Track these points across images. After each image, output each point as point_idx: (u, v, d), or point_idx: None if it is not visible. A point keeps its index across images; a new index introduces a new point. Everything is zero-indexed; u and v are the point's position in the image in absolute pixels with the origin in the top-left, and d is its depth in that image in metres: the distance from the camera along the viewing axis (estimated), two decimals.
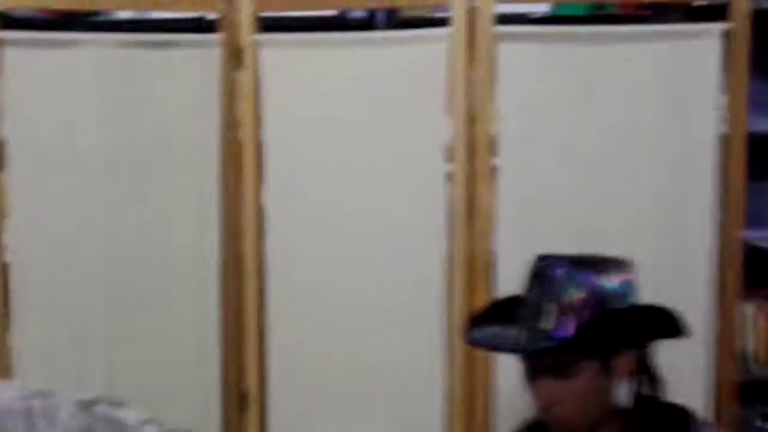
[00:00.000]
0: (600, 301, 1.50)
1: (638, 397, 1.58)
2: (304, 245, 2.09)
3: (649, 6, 2.46)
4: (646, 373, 1.57)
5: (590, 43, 2.03)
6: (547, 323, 1.51)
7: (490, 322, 1.62)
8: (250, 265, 2.08)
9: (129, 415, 1.43)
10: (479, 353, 1.97)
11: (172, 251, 2.11)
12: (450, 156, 1.99)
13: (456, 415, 2.02)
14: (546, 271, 1.54)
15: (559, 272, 1.52)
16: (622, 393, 1.57)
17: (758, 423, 2.51)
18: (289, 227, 2.09)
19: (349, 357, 2.08)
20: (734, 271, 2.01)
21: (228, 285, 2.12)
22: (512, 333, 1.57)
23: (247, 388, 2.10)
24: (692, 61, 2.00)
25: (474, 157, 1.98)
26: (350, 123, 2.06)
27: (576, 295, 1.50)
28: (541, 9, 2.42)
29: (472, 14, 1.96)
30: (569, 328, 1.49)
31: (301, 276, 2.09)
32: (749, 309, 2.46)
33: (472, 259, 2.00)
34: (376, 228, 2.06)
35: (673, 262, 2.00)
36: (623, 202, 2.02)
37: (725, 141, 1.99)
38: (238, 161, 2.08)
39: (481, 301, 1.95)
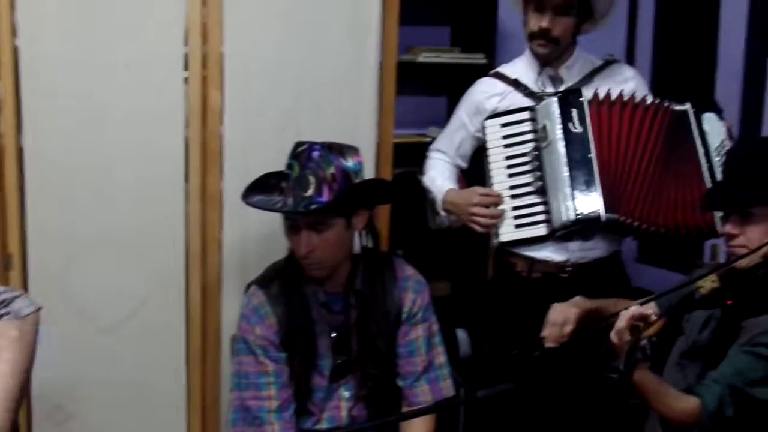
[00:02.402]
0: (346, 175, 2.05)
1: (363, 246, 2.17)
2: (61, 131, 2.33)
3: None
4: (370, 227, 2.16)
5: None
6: (310, 191, 2.00)
7: (261, 191, 2.07)
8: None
9: None
10: (211, 216, 2.44)
11: None
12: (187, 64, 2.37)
13: (193, 265, 2.46)
14: (306, 153, 2.03)
15: (316, 154, 2.03)
16: (355, 243, 2.15)
17: None
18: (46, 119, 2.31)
19: (102, 225, 2.38)
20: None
21: None
22: (281, 198, 2.04)
23: (10, 251, 2.31)
24: (361, 5, 2.55)
25: (206, 66, 2.38)
26: (101, 34, 2.31)
27: (329, 171, 2.02)
28: None
29: None
30: (326, 195, 2.00)
31: (58, 157, 2.32)
32: None
33: (205, 145, 2.41)
34: (125, 120, 2.35)
35: None
36: (313, 107, 2.54)
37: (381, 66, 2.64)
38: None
39: (213, 178, 2.42)
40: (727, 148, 2.32)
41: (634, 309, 1.87)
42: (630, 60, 3.75)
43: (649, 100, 2.44)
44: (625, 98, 2.41)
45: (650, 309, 1.95)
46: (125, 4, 2.30)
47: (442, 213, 2.65)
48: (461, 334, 3.52)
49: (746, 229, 1.89)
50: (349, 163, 2.07)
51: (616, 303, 2.10)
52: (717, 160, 2.31)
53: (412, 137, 3.40)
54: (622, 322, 1.86)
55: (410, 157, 2.81)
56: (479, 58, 3.41)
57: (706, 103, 2.50)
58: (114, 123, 2.33)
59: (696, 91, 3.41)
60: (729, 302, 1.82)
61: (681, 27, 3.60)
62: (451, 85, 3.56)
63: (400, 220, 3.38)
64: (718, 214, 2.29)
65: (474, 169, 2.80)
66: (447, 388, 2.28)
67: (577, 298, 2.21)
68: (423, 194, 2.74)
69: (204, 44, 2.36)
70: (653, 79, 3.69)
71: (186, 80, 2.35)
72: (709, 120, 2.40)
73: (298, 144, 2.08)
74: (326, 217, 2.03)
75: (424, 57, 3.42)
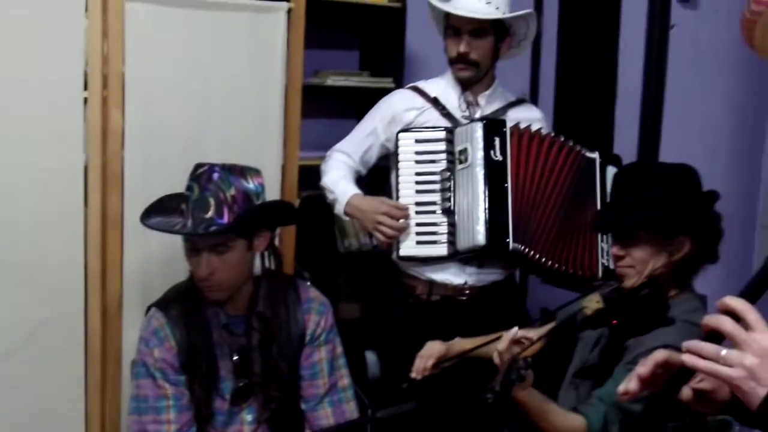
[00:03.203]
0: (246, 197, 2.04)
1: (266, 268, 2.17)
2: None
3: None
4: (272, 249, 2.16)
5: (193, 7, 2.49)
6: (210, 213, 1.99)
7: (162, 213, 2.05)
8: None
9: None
10: (111, 238, 2.41)
11: None
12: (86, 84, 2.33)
13: (93, 288, 2.41)
14: (206, 174, 2.03)
15: (216, 175, 2.02)
16: (256, 264, 2.14)
17: None
18: None
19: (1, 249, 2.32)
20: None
21: None
22: (180, 220, 2.02)
23: None
24: (266, 28, 2.59)
25: (106, 87, 2.35)
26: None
27: (229, 192, 2.02)
28: None
29: None
30: (226, 217, 2.00)
31: None
32: None
33: (105, 167, 2.38)
34: (23, 140, 2.29)
35: None
36: (217, 129, 2.55)
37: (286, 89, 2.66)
38: None
39: (113, 200, 2.39)
40: None
41: (515, 330, 1.92)
42: (534, 94, 3.86)
43: (562, 139, 2.52)
44: (543, 134, 2.48)
45: (534, 332, 2.00)
46: (24, 22, 2.25)
47: (344, 217, 2.65)
48: (370, 357, 3.53)
49: (631, 251, 1.95)
50: (251, 184, 2.07)
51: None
52: None
53: (321, 160, 3.42)
54: (503, 343, 1.91)
55: (318, 180, 2.83)
56: (387, 82, 3.45)
57: (612, 157, 2.61)
58: (11, 143, 2.28)
59: (597, 124, 3.53)
60: (614, 322, 1.88)
61: (582, 65, 3.72)
62: (360, 109, 3.58)
63: (308, 242, 3.39)
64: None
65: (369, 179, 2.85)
66: (350, 410, 2.28)
67: (457, 339, 2.27)
68: (332, 217, 2.75)
69: (105, 64, 2.33)
70: (555, 111, 3.80)
71: (86, 101, 2.32)
72: (612, 172, 2.49)
73: (198, 165, 2.07)
74: (226, 239, 2.02)
75: (333, 80, 3.44)
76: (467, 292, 2.54)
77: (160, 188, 2.21)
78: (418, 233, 2.51)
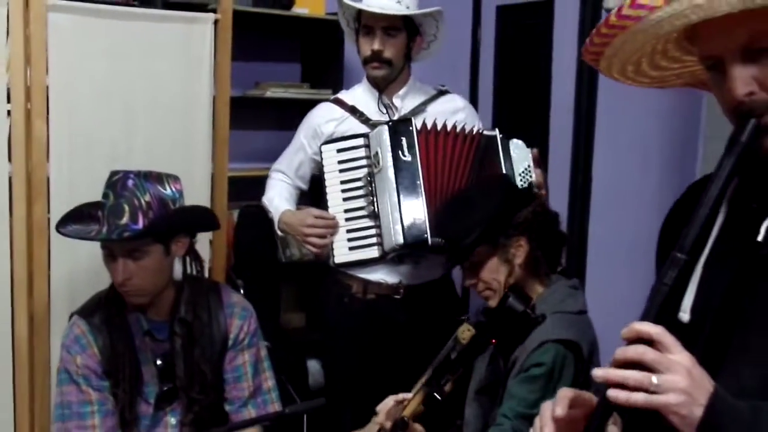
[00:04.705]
0: (162, 203, 2.08)
1: (187, 274, 2.21)
2: None
3: None
4: (192, 254, 2.20)
5: (118, 18, 2.53)
6: (124, 219, 2.03)
7: (78, 220, 2.09)
8: None
9: None
10: (37, 247, 2.43)
11: None
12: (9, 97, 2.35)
13: (20, 296, 2.43)
14: (120, 181, 2.06)
15: (131, 182, 2.06)
16: (176, 269, 2.18)
17: None
18: None
19: None
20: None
21: None
22: (96, 227, 2.06)
23: None
24: (193, 39, 2.64)
25: (30, 98, 2.38)
26: None
27: (144, 198, 2.06)
28: None
29: None
30: (140, 222, 2.04)
31: None
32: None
33: (30, 177, 2.40)
34: None
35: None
36: (145, 139, 2.59)
37: (214, 100, 2.71)
38: None
39: (39, 210, 2.41)
40: (532, 173, 2.46)
41: (388, 400, 1.97)
42: (474, 98, 3.93)
43: (468, 128, 2.58)
44: (449, 128, 2.54)
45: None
46: None
47: (279, 233, 2.72)
48: (313, 365, 3.56)
49: (480, 274, 2.05)
50: (167, 190, 2.10)
51: None
52: (520, 182, 2.45)
53: (261, 171, 3.46)
54: (381, 416, 1.96)
55: (259, 191, 2.87)
56: (327, 94, 3.50)
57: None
58: None
59: (533, 137, 3.60)
60: (493, 341, 1.95)
61: (518, 70, 3.79)
62: (301, 120, 3.64)
63: (249, 252, 3.44)
64: None
65: (312, 191, 2.90)
66: (275, 411, 2.32)
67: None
68: (273, 228, 2.80)
69: (27, 75, 2.36)
70: (495, 114, 3.88)
71: (9, 113, 2.34)
72: (516, 146, 2.53)
73: (114, 173, 2.10)
74: (142, 244, 2.06)
75: (272, 92, 3.50)
76: (402, 290, 2.60)
77: (85, 198, 2.23)
78: (349, 239, 2.57)
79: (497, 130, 2.59)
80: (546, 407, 1.21)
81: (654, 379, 1.06)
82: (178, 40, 2.60)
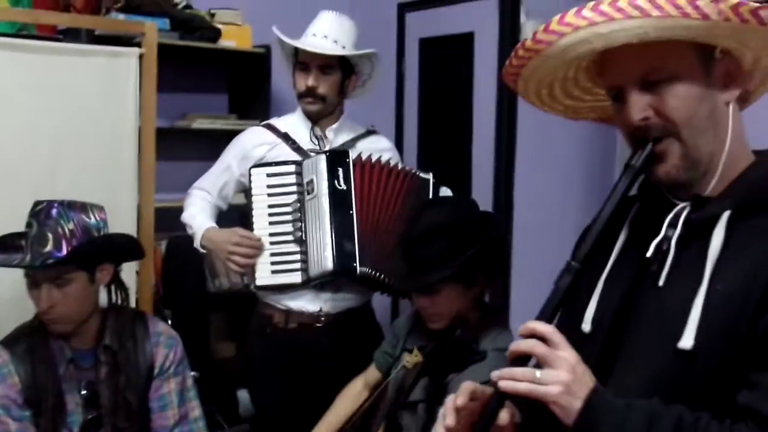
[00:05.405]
0: (86, 231, 2.11)
1: (110, 302, 2.23)
2: None
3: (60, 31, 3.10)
4: (117, 282, 2.22)
5: (41, 52, 2.56)
6: (48, 247, 2.05)
7: (2, 250, 2.10)
8: None
9: None
10: None
11: None
12: None
13: None
14: (44, 211, 2.09)
15: (55, 211, 2.09)
16: (102, 298, 2.20)
17: None
18: None
19: None
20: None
21: None
22: (20, 256, 2.07)
23: None
24: (118, 73, 2.68)
25: None
26: None
27: (68, 226, 2.08)
28: None
29: None
30: (64, 250, 2.06)
31: None
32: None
33: None
34: None
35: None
36: (70, 171, 2.60)
37: (140, 134, 2.74)
38: None
39: None
40: None
41: None
42: (399, 130, 4.04)
43: (401, 166, 2.67)
44: (382, 162, 2.62)
45: None
46: None
47: (200, 249, 2.72)
48: (242, 395, 3.57)
49: (435, 301, 2.08)
50: (92, 219, 2.13)
51: None
52: None
53: None
54: None
55: None
56: (254, 124, 3.54)
57: (445, 180, 2.77)
58: None
59: (456, 166, 3.71)
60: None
61: (441, 99, 3.91)
62: None
63: (176, 282, 3.45)
64: None
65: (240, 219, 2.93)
66: None
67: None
68: (201, 258, 2.82)
69: None
70: (420, 142, 3.98)
71: None
72: (444, 192, 2.68)
73: (37, 203, 2.12)
74: (66, 271, 2.07)
75: (199, 123, 3.54)
76: (323, 318, 2.64)
77: (8, 229, 2.22)
78: (273, 263, 2.60)
79: (431, 174, 2.69)
80: (449, 399, 1.32)
81: (537, 373, 1.21)
82: (103, 73, 2.63)
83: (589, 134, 3.48)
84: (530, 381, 1.20)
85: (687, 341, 1.21)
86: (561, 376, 1.19)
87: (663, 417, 1.18)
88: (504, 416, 1.30)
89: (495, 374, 1.23)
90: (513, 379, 1.21)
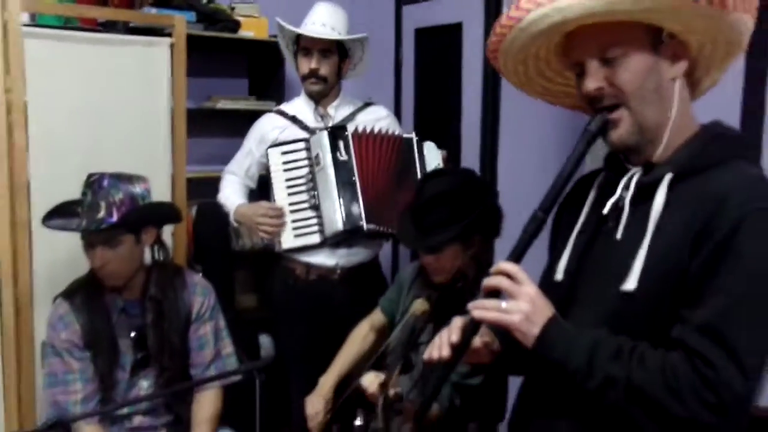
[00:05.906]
0: (133, 199, 2.19)
1: (155, 259, 2.32)
2: None
3: (99, 24, 3.15)
4: (159, 242, 2.31)
5: (86, 43, 2.64)
6: (101, 214, 2.14)
7: (61, 215, 2.18)
8: None
9: None
10: (20, 241, 2.51)
11: None
12: None
13: (6, 284, 2.50)
14: (97, 182, 2.17)
15: (106, 182, 2.17)
16: (147, 256, 2.29)
17: None
18: None
19: None
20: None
21: None
22: (77, 221, 2.15)
23: None
24: (152, 61, 2.75)
25: (11, 112, 2.45)
26: None
27: (118, 196, 2.16)
28: (25, 18, 2.82)
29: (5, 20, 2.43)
30: (115, 216, 2.14)
31: None
32: None
33: (12, 179, 2.48)
34: None
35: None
36: (113, 146, 2.69)
37: (172, 113, 2.81)
38: None
39: (21, 208, 2.49)
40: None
41: (371, 380, 2.01)
42: (397, 111, 4.10)
43: (391, 131, 2.75)
44: (376, 131, 2.70)
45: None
46: None
47: (234, 224, 2.84)
48: (264, 339, 3.65)
49: (439, 259, 2.13)
50: (137, 189, 2.21)
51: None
52: None
53: (215, 173, 3.57)
54: (372, 388, 1.99)
55: (214, 190, 2.99)
56: (271, 104, 3.60)
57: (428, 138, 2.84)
58: None
59: (448, 131, 3.78)
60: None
61: (434, 83, 3.96)
62: (248, 128, 3.76)
63: (205, 242, 3.54)
64: None
65: (259, 190, 3.02)
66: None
67: (321, 386, 2.42)
68: (227, 221, 2.91)
69: (8, 94, 2.43)
70: (416, 122, 4.05)
71: None
72: (429, 147, 2.73)
73: (91, 175, 2.20)
74: (116, 234, 2.16)
75: (223, 104, 3.60)
76: (338, 272, 2.74)
77: (62, 197, 2.29)
78: (294, 228, 2.70)
79: (414, 133, 2.76)
80: (444, 333, 1.41)
81: (503, 304, 1.31)
82: (139, 61, 2.70)
83: (564, 116, 3.53)
84: (497, 310, 1.29)
85: (630, 284, 1.28)
86: (522, 306, 1.29)
87: (606, 343, 1.27)
88: (477, 340, 1.41)
89: (470, 305, 1.32)
90: (483, 309, 1.30)
